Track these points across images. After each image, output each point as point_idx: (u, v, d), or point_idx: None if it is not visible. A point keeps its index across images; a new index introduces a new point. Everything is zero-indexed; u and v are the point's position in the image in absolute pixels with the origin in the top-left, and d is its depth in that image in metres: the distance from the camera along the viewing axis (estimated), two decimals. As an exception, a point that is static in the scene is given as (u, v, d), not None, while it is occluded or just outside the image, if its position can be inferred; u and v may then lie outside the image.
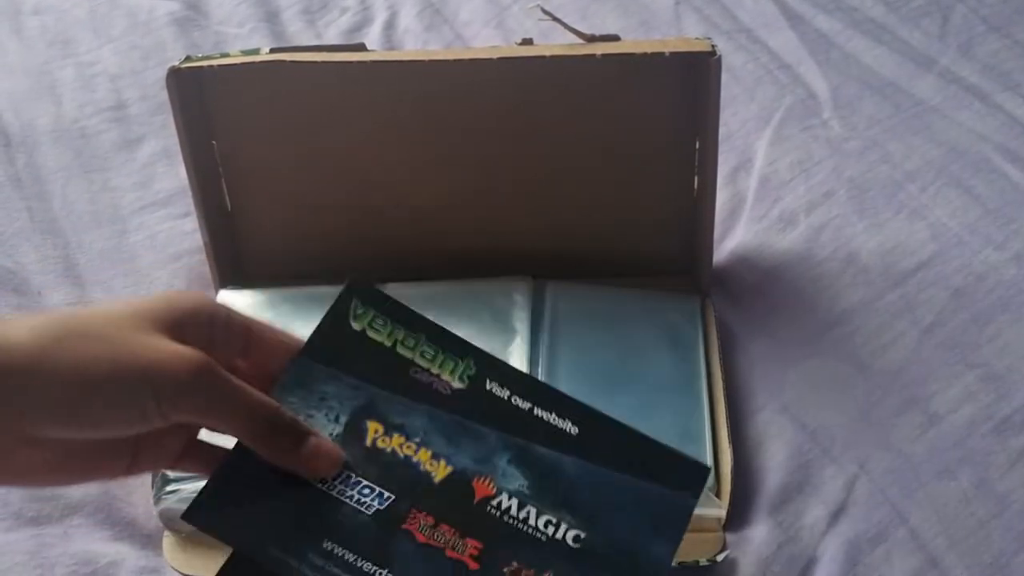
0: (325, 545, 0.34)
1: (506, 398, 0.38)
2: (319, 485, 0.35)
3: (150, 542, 0.50)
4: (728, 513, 0.49)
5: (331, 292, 0.39)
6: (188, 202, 0.61)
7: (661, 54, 0.53)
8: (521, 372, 0.40)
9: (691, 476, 0.38)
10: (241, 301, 0.60)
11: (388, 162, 0.60)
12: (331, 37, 0.84)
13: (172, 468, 0.37)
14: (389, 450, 0.36)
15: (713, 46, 0.53)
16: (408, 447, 0.37)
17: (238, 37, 0.84)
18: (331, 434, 0.36)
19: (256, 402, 0.34)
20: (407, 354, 0.38)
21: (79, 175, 0.72)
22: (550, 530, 0.36)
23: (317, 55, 0.55)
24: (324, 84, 0.57)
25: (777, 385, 0.56)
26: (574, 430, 0.38)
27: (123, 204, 0.70)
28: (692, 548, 0.48)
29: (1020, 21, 0.82)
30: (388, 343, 0.38)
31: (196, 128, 0.57)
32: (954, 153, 0.70)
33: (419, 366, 0.38)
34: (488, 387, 0.38)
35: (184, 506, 0.47)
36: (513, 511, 0.36)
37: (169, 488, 0.49)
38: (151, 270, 0.65)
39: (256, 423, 0.34)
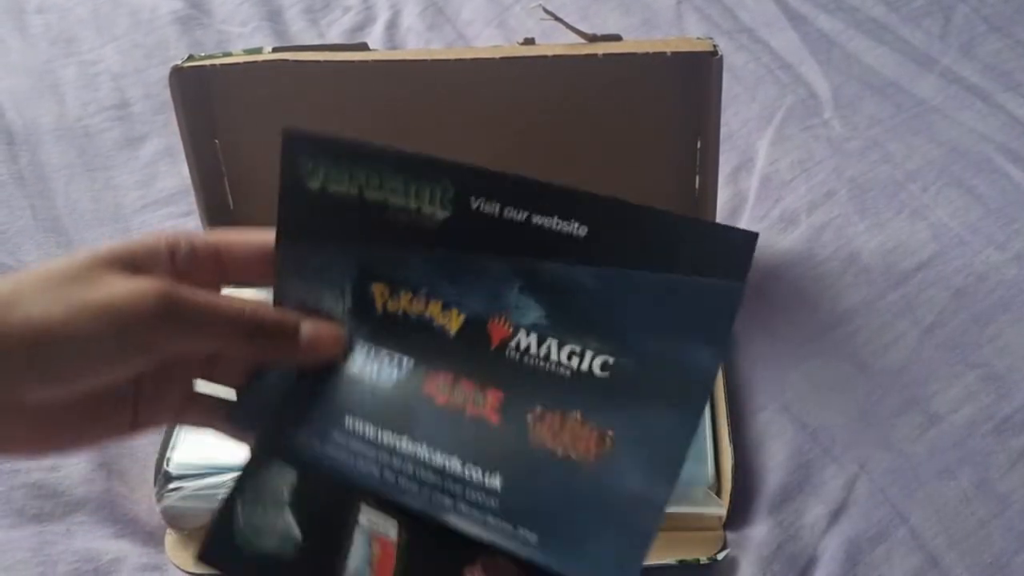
0: (347, 422, 0.33)
1: (498, 213, 0.33)
2: (339, 363, 0.34)
3: (152, 539, 0.50)
4: (728, 512, 0.49)
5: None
6: (190, 201, 0.61)
7: (663, 54, 0.53)
8: (504, 174, 0.33)
9: (732, 252, 0.30)
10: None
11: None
12: (333, 36, 0.84)
13: (176, 422, 0.36)
14: (401, 313, 0.34)
15: (714, 46, 0.53)
16: (417, 302, 0.34)
17: (241, 36, 0.84)
18: (343, 310, 0.34)
19: (233, 311, 0.32)
20: (377, 196, 0.34)
21: (82, 173, 0.72)
22: (575, 362, 0.32)
23: (319, 54, 0.55)
24: (326, 83, 0.57)
25: (778, 385, 0.56)
26: (582, 231, 0.32)
27: (126, 203, 0.70)
28: (692, 547, 0.48)
29: (1022, 21, 0.82)
30: (354, 191, 0.34)
31: (199, 127, 0.57)
32: (955, 153, 0.70)
33: (394, 205, 0.34)
34: (475, 206, 0.33)
35: (186, 503, 0.48)
36: (533, 349, 0.32)
37: (172, 486, 0.49)
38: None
39: (241, 330, 0.32)
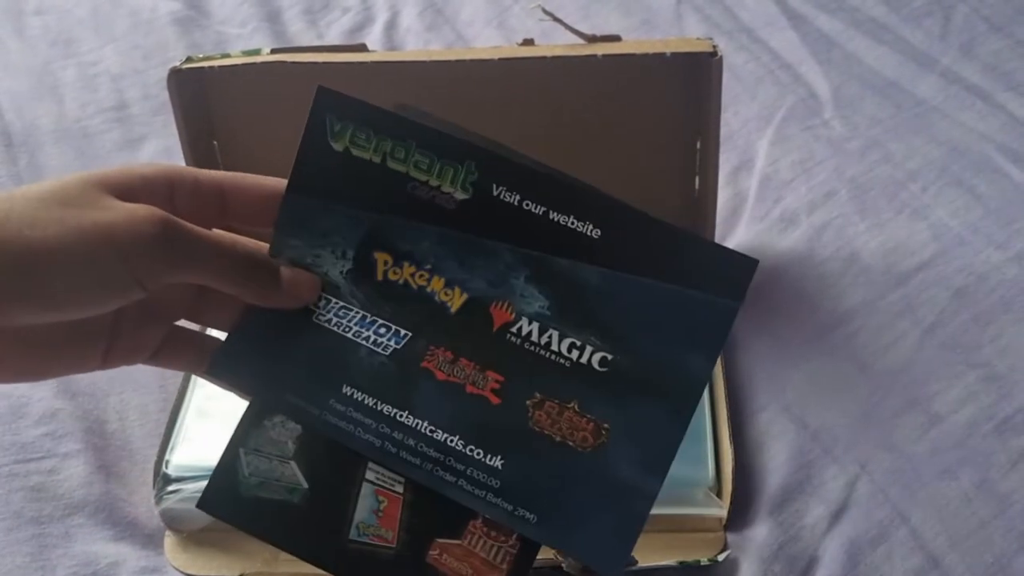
0: (345, 390, 0.34)
1: (517, 203, 0.34)
2: (334, 329, 0.34)
3: (151, 542, 0.50)
4: (729, 513, 0.49)
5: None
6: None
7: (662, 54, 0.53)
8: (530, 167, 0.35)
9: (733, 274, 0.33)
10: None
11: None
12: (332, 37, 0.84)
13: (149, 363, 0.35)
14: (401, 282, 0.35)
15: (714, 46, 0.53)
16: (421, 276, 0.34)
17: (239, 37, 0.84)
18: (341, 272, 0.35)
19: (226, 244, 0.32)
20: (400, 167, 0.34)
21: (81, 175, 0.72)
22: (574, 354, 0.33)
23: (318, 55, 0.55)
24: (325, 84, 0.57)
25: (778, 385, 0.56)
26: (596, 232, 0.34)
27: (125, 204, 0.70)
28: (693, 548, 0.48)
29: (1021, 21, 0.82)
30: (377, 158, 0.34)
31: (197, 128, 0.57)
32: (956, 153, 0.70)
33: (416, 179, 0.34)
34: (495, 193, 0.34)
35: (185, 505, 0.48)
36: (534, 336, 0.34)
37: (171, 488, 0.49)
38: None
39: (231, 264, 0.32)
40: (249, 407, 0.35)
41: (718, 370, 0.56)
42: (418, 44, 0.83)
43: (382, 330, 0.34)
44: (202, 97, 0.57)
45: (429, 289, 0.35)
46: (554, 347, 0.34)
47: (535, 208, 0.34)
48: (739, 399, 0.56)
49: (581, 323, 0.34)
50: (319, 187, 0.35)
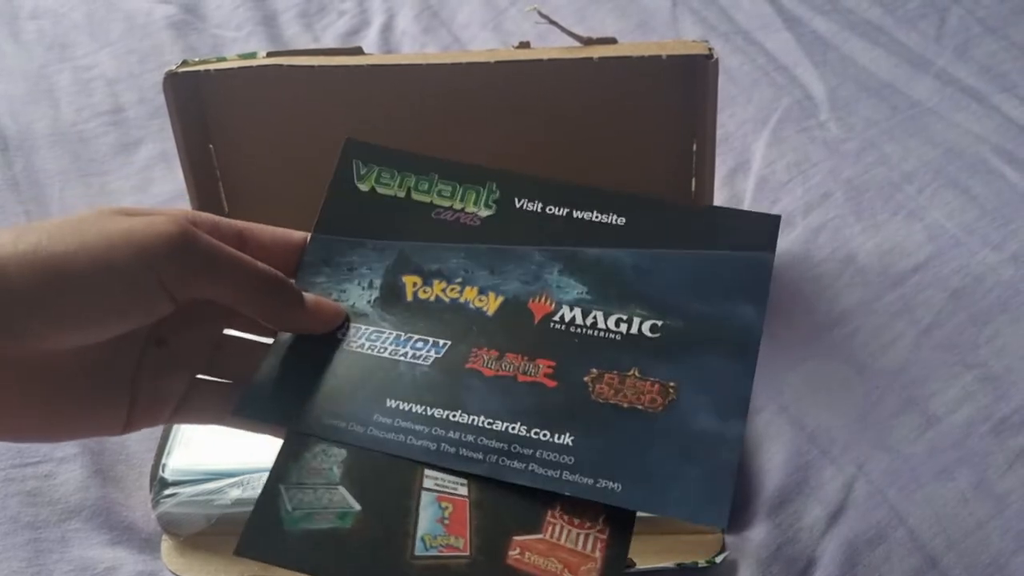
0: (389, 404, 0.33)
1: (540, 210, 0.36)
2: (367, 352, 0.34)
3: (148, 546, 0.50)
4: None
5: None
6: (186, 206, 0.61)
7: (658, 57, 0.53)
8: (548, 180, 0.37)
9: (760, 230, 0.34)
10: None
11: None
12: (328, 40, 0.84)
13: (174, 420, 0.34)
14: (433, 299, 0.35)
15: (710, 49, 0.53)
16: (452, 290, 0.35)
17: (235, 40, 0.84)
18: (368, 301, 0.35)
19: (249, 261, 0.32)
20: (424, 198, 0.36)
21: (77, 179, 0.72)
22: (623, 327, 0.34)
23: (314, 59, 0.55)
24: (321, 87, 0.57)
25: (776, 386, 0.56)
26: (620, 221, 0.35)
27: (121, 208, 0.70)
28: (691, 550, 0.48)
29: (1017, 23, 0.82)
30: (401, 193, 0.37)
31: (193, 132, 0.57)
32: (951, 154, 0.70)
33: (440, 206, 0.36)
34: (518, 205, 0.36)
35: (182, 509, 0.48)
36: (579, 320, 0.34)
37: (168, 492, 0.49)
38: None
39: (256, 281, 0.32)
40: (285, 443, 0.33)
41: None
42: (414, 47, 0.83)
43: (419, 344, 0.34)
44: (198, 101, 0.57)
45: (462, 300, 0.35)
46: (601, 325, 0.34)
47: (558, 210, 0.36)
48: (736, 401, 0.56)
49: (623, 300, 0.34)
50: (348, 225, 0.36)
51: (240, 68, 0.55)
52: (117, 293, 0.28)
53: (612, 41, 0.55)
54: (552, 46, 0.55)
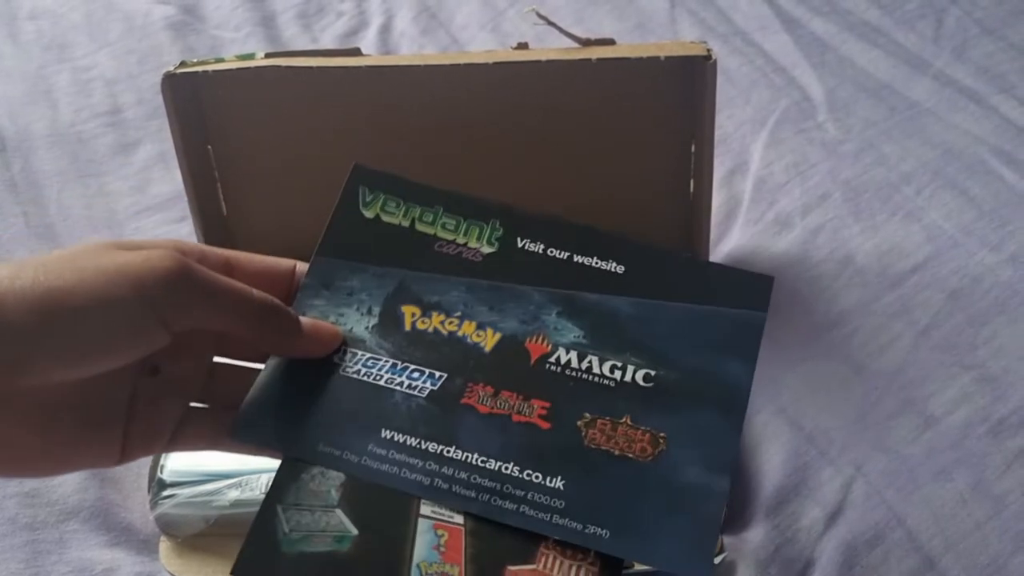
0: (384, 434, 0.33)
1: (541, 251, 0.36)
2: (363, 378, 0.34)
3: (146, 547, 0.50)
4: (725, 515, 0.49)
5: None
6: (184, 207, 0.61)
7: (656, 58, 0.53)
8: (553, 220, 0.37)
9: (755, 290, 0.36)
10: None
11: (384, 166, 0.60)
12: (327, 41, 0.84)
13: (170, 448, 0.34)
14: (431, 330, 0.35)
15: (708, 50, 0.53)
16: (450, 323, 0.35)
17: (234, 41, 0.84)
18: (366, 327, 0.35)
19: (244, 289, 0.32)
20: (428, 230, 0.37)
21: (75, 180, 0.72)
22: (617, 374, 0.34)
23: (312, 60, 0.55)
24: (320, 88, 0.57)
25: (774, 387, 0.56)
26: (620, 269, 0.36)
27: (119, 209, 0.70)
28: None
29: (1014, 24, 0.82)
30: (406, 223, 0.37)
31: (192, 132, 0.57)
32: (949, 155, 0.71)
33: (443, 239, 0.37)
34: (520, 244, 0.36)
35: (180, 511, 0.48)
36: (574, 363, 0.34)
37: (166, 493, 0.49)
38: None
39: (252, 309, 0.32)
40: (283, 464, 0.34)
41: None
42: (412, 48, 0.83)
43: (415, 374, 0.34)
44: (196, 102, 0.57)
45: (460, 333, 0.35)
46: (596, 370, 0.34)
47: (559, 254, 0.36)
48: (735, 402, 0.56)
49: (619, 347, 0.35)
50: (350, 249, 0.36)
51: (238, 69, 0.55)
52: (116, 328, 0.29)
53: (611, 42, 0.55)
54: (550, 47, 0.56)
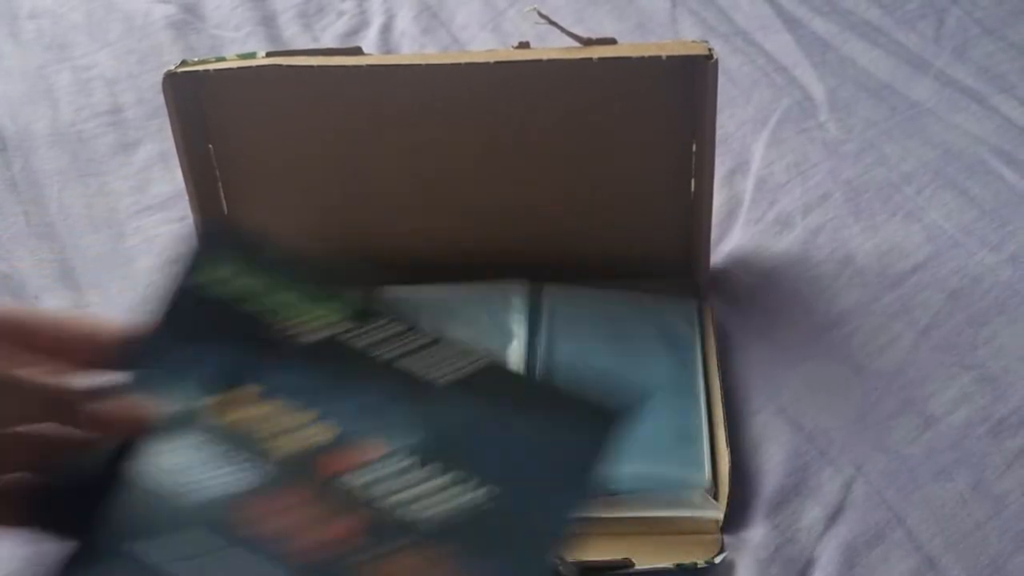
0: (197, 534, 0.30)
1: (381, 340, 0.33)
2: (173, 467, 0.31)
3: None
4: (726, 515, 0.49)
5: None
6: (185, 206, 0.61)
7: (658, 58, 0.53)
8: (397, 317, 0.34)
9: (597, 423, 0.32)
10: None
11: (385, 166, 0.60)
12: (328, 41, 0.84)
13: None
14: (254, 420, 0.32)
15: (710, 49, 0.53)
16: (286, 415, 0.32)
17: (234, 41, 0.84)
18: (188, 408, 0.32)
19: (32, 384, 0.30)
20: (271, 305, 0.33)
21: (75, 179, 0.72)
22: (445, 495, 0.31)
23: (313, 59, 0.55)
24: (320, 88, 0.57)
25: (774, 387, 0.56)
26: (469, 370, 0.33)
27: (120, 208, 0.70)
28: (690, 550, 0.48)
29: (1015, 24, 0.82)
30: (247, 296, 0.33)
31: (192, 132, 0.57)
32: (950, 155, 0.71)
33: (280, 316, 0.33)
34: (362, 331, 0.33)
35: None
36: (404, 470, 0.32)
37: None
38: (148, 274, 0.65)
39: (44, 398, 0.30)
40: (82, 556, 0.31)
41: (714, 372, 0.56)
42: (413, 48, 0.83)
43: (234, 469, 0.31)
44: (197, 101, 0.57)
45: (291, 424, 0.32)
46: (423, 486, 0.31)
47: (391, 352, 0.33)
48: (735, 401, 0.56)
49: (451, 461, 0.32)
50: (177, 321, 0.33)
51: (239, 68, 0.55)
52: None
53: (612, 42, 0.55)
54: (551, 47, 0.55)
